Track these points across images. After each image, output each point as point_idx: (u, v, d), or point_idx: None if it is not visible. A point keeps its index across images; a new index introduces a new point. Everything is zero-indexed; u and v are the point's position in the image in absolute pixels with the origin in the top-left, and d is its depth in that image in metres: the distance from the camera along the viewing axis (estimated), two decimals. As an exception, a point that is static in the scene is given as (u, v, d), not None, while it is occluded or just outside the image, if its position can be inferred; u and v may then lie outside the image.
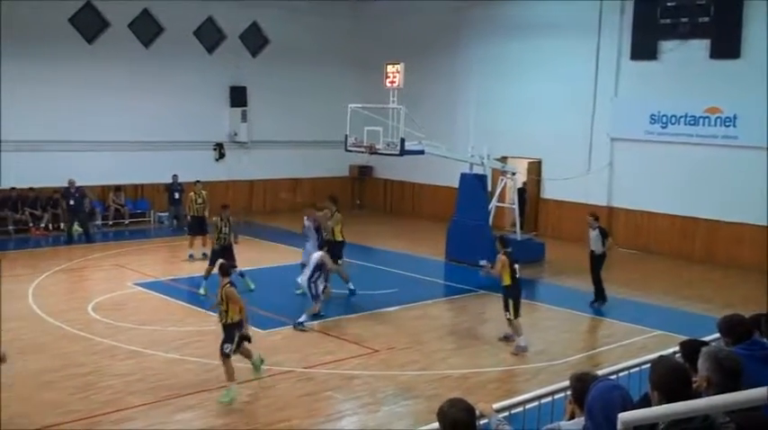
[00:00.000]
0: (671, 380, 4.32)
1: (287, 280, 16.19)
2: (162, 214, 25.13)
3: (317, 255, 14.25)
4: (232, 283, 10.68)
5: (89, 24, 24.05)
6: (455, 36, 26.64)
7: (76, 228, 22.03)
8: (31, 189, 22.84)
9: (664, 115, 21.89)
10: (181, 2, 25.25)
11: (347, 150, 20.06)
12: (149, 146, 24.98)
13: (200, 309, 14.88)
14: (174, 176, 24.11)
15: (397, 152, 18.66)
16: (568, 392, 5.16)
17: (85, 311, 14.53)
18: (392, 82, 19.24)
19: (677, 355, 5.60)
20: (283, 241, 22.14)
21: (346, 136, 19.67)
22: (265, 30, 27.84)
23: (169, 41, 25.55)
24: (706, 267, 20.39)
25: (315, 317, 14.16)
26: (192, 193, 20.34)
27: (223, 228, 16.20)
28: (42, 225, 22.68)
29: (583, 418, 4.58)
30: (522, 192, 22.87)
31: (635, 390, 5.40)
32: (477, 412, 5.04)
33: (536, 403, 6.53)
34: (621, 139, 22.92)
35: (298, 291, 15.46)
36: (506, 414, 6.14)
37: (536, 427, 6.04)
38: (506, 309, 12.76)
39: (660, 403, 4.20)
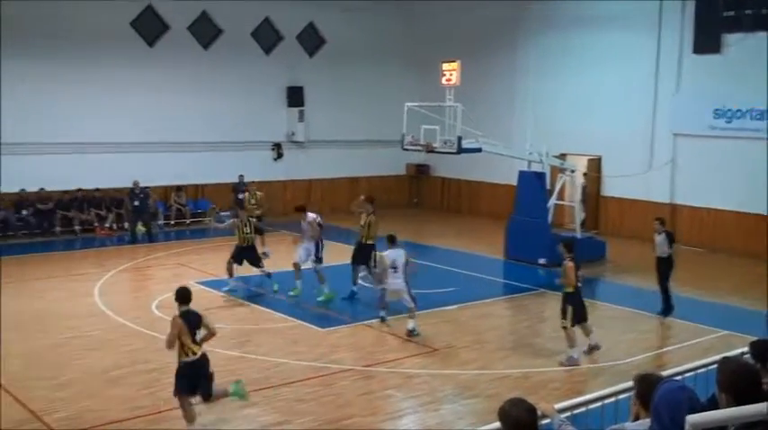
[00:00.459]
0: (739, 381, 4.22)
1: (346, 278, 16.26)
2: (223, 213, 25.45)
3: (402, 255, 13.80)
4: (184, 315, 9.30)
5: (150, 27, 24.55)
6: (513, 32, 26.43)
7: (140, 227, 22.51)
8: (96, 190, 23.42)
9: (728, 110, 21.36)
10: (238, 3, 25.59)
11: (404, 149, 20.09)
12: (209, 146, 25.39)
13: (259, 306, 15.07)
14: (240, 176, 24.54)
15: (455, 150, 18.62)
16: (633, 393, 5.08)
17: (149, 309, 14.84)
18: (448, 80, 19.20)
19: (745, 356, 5.47)
20: (341, 240, 22.23)
21: (403, 135, 19.70)
22: (322, 30, 28.03)
23: (227, 43, 25.93)
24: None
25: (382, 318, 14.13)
26: (247, 194, 20.58)
27: (243, 229, 16.26)
28: (107, 225, 23.24)
29: (648, 420, 4.51)
30: (581, 189, 22.58)
31: (701, 392, 5.29)
32: (539, 412, 4.99)
33: (599, 403, 6.44)
34: (684, 135, 22.45)
35: (291, 293, 15.69)
36: (569, 414, 6.07)
37: (600, 428, 5.96)
38: (564, 316, 12.14)
39: (728, 405, 4.12)
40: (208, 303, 15.40)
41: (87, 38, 22.96)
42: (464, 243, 22.39)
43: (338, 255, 17.94)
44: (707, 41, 21.60)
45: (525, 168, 20.51)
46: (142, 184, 22.75)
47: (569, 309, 12.11)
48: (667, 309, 14.96)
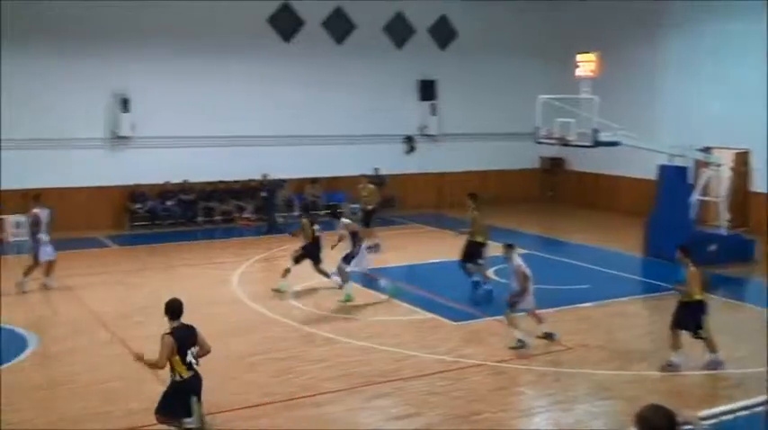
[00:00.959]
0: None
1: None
2: (354, 206, 25.83)
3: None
4: (175, 331, 8.57)
5: (286, 23, 25.16)
6: (653, 22, 25.39)
7: (278, 218, 23.21)
8: (236, 181, 24.27)
9: None
10: (371, -1, 25.89)
11: (537, 142, 19.73)
12: (342, 139, 25.79)
13: (394, 299, 15.16)
14: (376, 169, 24.89)
15: (591, 143, 18.09)
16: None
17: (285, 298, 15.22)
18: (585, 72, 18.67)
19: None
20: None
21: (537, 127, 19.34)
22: (454, 22, 27.90)
23: (360, 38, 26.23)
24: None
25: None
26: (360, 186, 20.68)
27: (309, 228, 16.04)
28: (246, 215, 24.06)
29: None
30: (728, 184, 21.43)
31: None
32: (680, 419, 4.75)
33: (747, 412, 6.07)
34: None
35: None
36: (714, 421, 5.77)
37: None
38: (700, 326, 11.23)
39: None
40: (339, 294, 15.67)
41: (228, 34, 23.82)
42: (599, 239, 21.76)
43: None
44: None
45: (666, 162, 19.68)
46: (278, 177, 23.43)
47: (704, 318, 11.23)
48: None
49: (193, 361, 8.40)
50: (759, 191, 22.95)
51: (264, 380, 10.87)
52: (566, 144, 18.80)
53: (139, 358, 8.43)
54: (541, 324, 12.54)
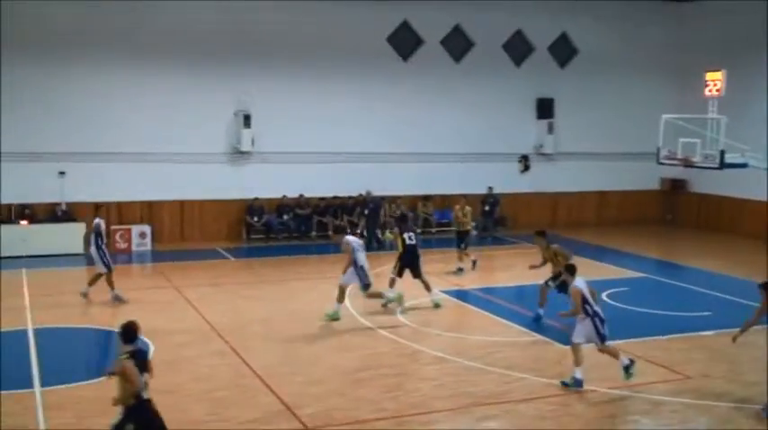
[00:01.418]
0: None
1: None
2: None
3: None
4: (132, 356, 7.91)
5: (405, 42, 25.40)
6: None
7: (388, 235, 23.29)
8: (350, 197, 24.61)
9: None
10: (491, 17, 25.78)
11: (659, 163, 19.10)
12: (456, 157, 25.76)
13: (501, 319, 14.99)
14: (489, 188, 24.80)
15: (717, 165, 17.37)
16: None
17: (395, 315, 15.27)
18: (711, 91, 17.99)
19: None
20: (588, 255, 21.59)
21: (659, 148, 18.74)
22: (574, 40, 27.45)
23: (478, 55, 26.18)
24: None
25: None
26: (457, 207, 20.43)
27: (399, 237, 16.11)
28: (358, 230, 24.28)
29: None
30: None
31: None
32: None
33: None
34: None
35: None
36: None
37: None
38: None
39: None
40: (450, 312, 15.61)
41: (348, 52, 24.29)
42: (722, 264, 20.82)
43: (587, 270, 17.29)
44: None
45: (797, 186, 18.69)
46: (391, 194, 23.68)
47: None
48: None
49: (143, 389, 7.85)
50: None
51: (375, 397, 10.89)
52: (689, 165, 18.13)
53: (112, 374, 7.91)
54: (618, 358, 11.41)
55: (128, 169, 22.30)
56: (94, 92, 21.92)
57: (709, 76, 18.10)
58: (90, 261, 20.19)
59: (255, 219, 23.62)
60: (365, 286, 14.85)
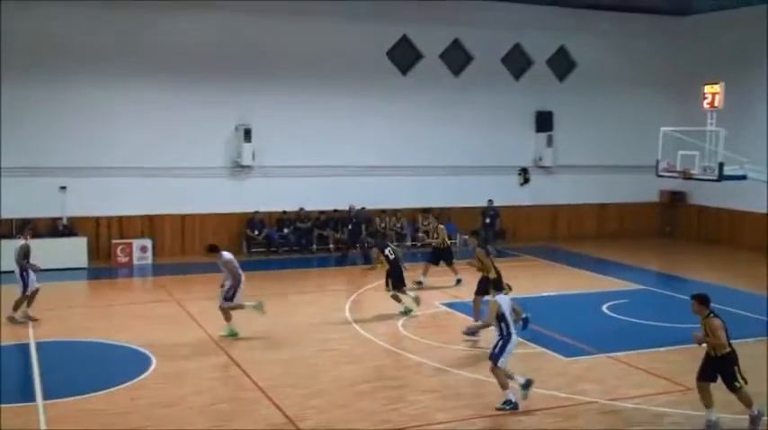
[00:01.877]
0: None
1: (590, 307, 15.78)
2: (467, 237, 25.77)
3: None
4: None
5: (404, 56, 25.54)
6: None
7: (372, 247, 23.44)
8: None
9: None
10: (490, 31, 25.93)
11: (658, 175, 19.19)
12: (456, 170, 25.86)
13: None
14: (489, 201, 24.90)
15: (715, 177, 17.47)
16: None
17: (396, 327, 15.32)
18: (710, 103, 18.10)
19: None
20: (588, 268, 21.70)
21: (657, 160, 18.84)
22: (573, 53, 27.61)
23: (477, 69, 26.31)
24: None
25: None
26: (425, 223, 20.41)
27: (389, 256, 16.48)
28: (358, 244, 24.32)
29: None
30: None
31: None
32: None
33: None
34: None
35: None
36: None
37: None
38: (737, 379, 10.11)
39: None
40: (451, 324, 15.65)
41: (347, 67, 24.39)
42: (722, 276, 20.85)
43: (588, 283, 17.44)
44: None
45: (796, 198, 18.77)
46: (391, 207, 23.79)
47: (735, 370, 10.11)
48: None
49: None
50: None
51: (376, 408, 10.91)
52: (688, 177, 18.22)
53: None
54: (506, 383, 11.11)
55: (129, 183, 22.36)
56: (95, 107, 21.98)
57: (708, 88, 18.21)
58: (91, 275, 20.33)
59: (256, 232, 23.67)
60: (227, 298, 14.46)
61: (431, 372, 12.61)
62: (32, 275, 15.55)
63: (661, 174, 18.94)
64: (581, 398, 11.41)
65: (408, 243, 25.14)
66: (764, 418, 10.32)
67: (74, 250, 21.07)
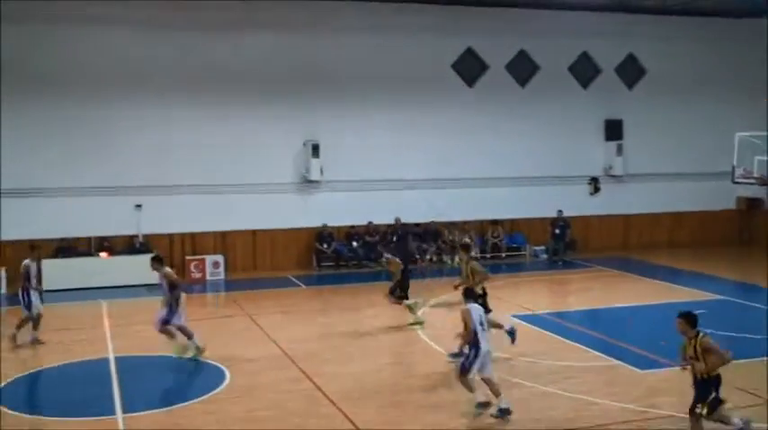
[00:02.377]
0: None
1: (665, 318, 15.34)
2: (538, 248, 25.57)
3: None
4: None
5: (469, 68, 25.52)
6: None
7: (458, 260, 23.30)
8: (417, 224, 24.68)
9: None
10: (556, 40, 25.72)
11: (734, 182, 18.72)
12: (524, 181, 25.68)
13: (575, 343, 14.80)
14: (559, 212, 24.68)
15: (794, 183, 16.94)
16: None
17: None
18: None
19: None
20: (662, 278, 21.23)
21: (734, 166, 18.37)
22: (642, 61, 27.16)
23: (544, 79, 26.12)
24: None
25: None
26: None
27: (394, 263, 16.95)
28: (427, 257, 24.37)
29: None
30: None
31: None
32: None
33: None
34: None
35: None
36: None
37: None
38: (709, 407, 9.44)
39: None
40: (522, 337, 15.46)
41: (413, 81, 24.49)
42: (804, 285, 20.17)
43: (661, 293, 17.02)
44: None
45: None
46: (460, 219, 23.77)
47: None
48: None
49: None
50: None
51: (448, 422, 10.87)
52: (766, 183, 17.70)
53: None
54: (473, 393, 11.10)
55: (201, 201, 22.86)
56: (168, 126, 22.61)
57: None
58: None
59: (325, 245, 23.88)
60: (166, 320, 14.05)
61: (503, 386, 12.45)
62: (35, 297, 15.25)
63: (737, 180, 18.54)
64: (657, 411, 11.15)
65: (476, 254, 24.99)
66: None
67: (149, 267, 21.51)
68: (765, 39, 26.52)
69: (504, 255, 25.36)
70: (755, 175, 17.80)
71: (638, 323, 16.25)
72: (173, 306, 14.00)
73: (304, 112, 23.69)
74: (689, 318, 9.40)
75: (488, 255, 25.16)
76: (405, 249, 23.20)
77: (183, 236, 23.05)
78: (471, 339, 11.05)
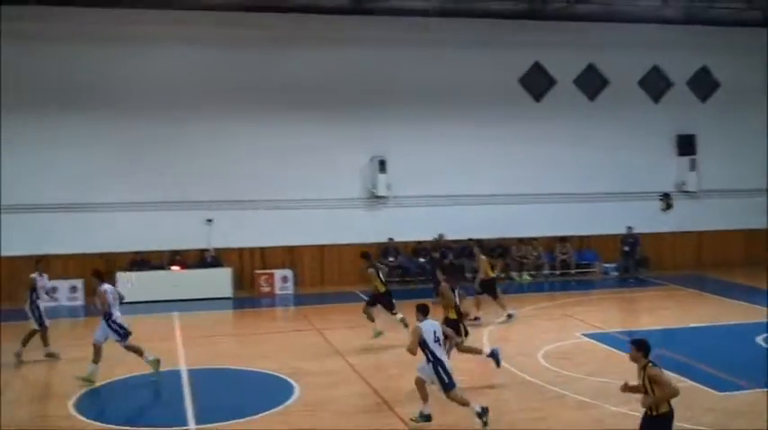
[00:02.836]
0: None
1: (743, 338, 14.96)
2: (608, 265, 25.12)
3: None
4: None
5: (537, 83, 25.34)
6: None
7: (526, 277, 23.15)
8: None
9: None
10: (626, 54, 25.33)
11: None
12: (594, 197, 25.27)
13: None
14: (629, 228, 24.33)
15: None
16: None
17: (535, 358, 15.03)
18: None
19: None
20: (738, 297, 20.63)
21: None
22: (715, 73, 26.55)
23: (613, 93, 25.75)
24: None
25: None
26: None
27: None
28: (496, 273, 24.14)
29: None
30: None
31: None
32: None
33: None
34: None
35: None
36: None
37: None
38: None
39: None
40: (592, 356, 15.23)
41: (480, 96, 24.42)
42: None
43: (735, 313, 16.51)
44: None
45: None
46: (529, 235, 23.54)
47: None
48: None
49: None
50: None
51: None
52: None
53: None
54: (468, 406, 11.10)
55: (269, 216, 23.17)
56: (238, 142, 23.01)
57: None
58: (236, 304, 21.05)
59: (390, 259, 23.85)
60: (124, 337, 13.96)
61: (573, 405, 12.29)
62: (42, 310, 15.26)
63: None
64: (737, 435, 10.82)
65: (546, 271, 24.77)
66: None
67: (220, 280, 21.97)
68: None
69: (573, 271, 24.99)
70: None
71: (715, 343, 15.78)
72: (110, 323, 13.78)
73: (371, 129, 23.86)
74: (640, 345, 8.91)
75: (558, 272, 24.85)
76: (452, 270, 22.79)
77: (252, 250, 23.39)
78: (429, 357, 11.22)
